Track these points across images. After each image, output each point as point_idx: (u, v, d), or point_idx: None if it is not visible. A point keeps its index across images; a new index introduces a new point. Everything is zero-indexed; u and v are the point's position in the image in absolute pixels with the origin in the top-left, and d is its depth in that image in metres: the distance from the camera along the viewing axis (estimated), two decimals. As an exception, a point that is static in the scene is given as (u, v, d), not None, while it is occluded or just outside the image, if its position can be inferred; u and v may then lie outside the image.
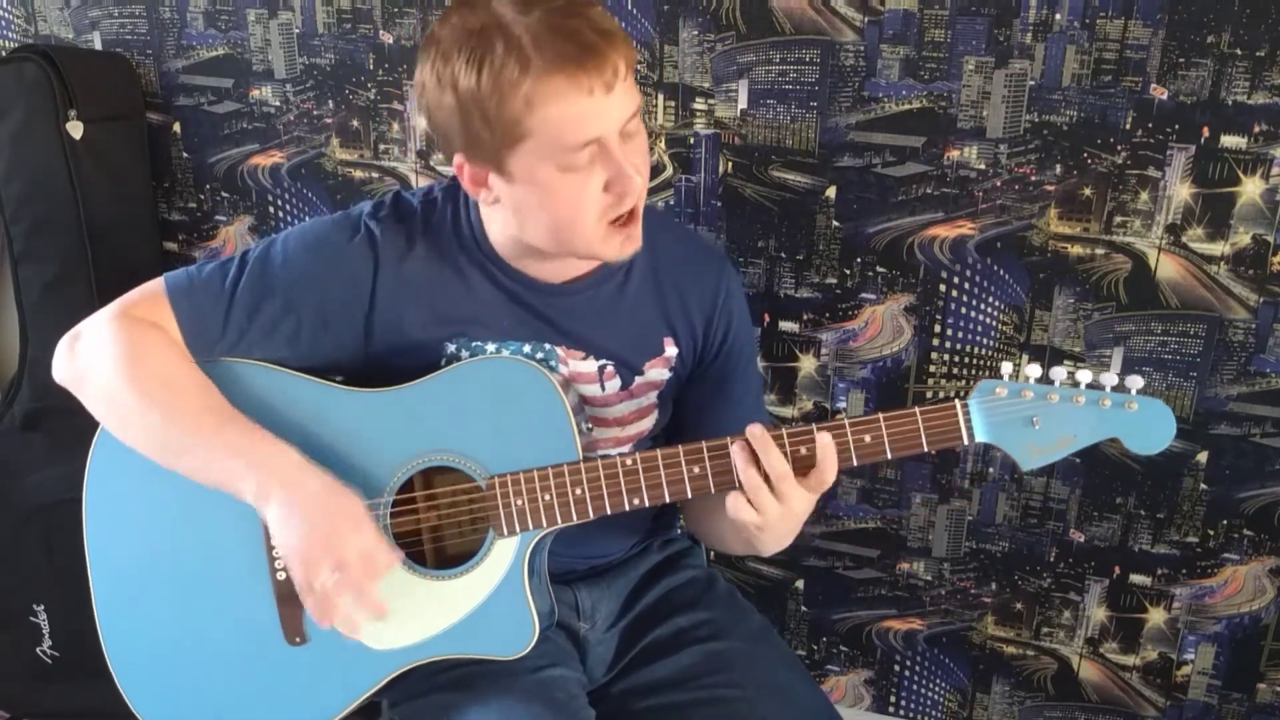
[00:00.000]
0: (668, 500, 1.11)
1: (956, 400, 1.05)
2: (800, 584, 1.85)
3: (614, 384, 1.21)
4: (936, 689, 1.85)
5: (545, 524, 1.12)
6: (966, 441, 1.04)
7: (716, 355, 1.26)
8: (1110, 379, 1.02)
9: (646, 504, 1.10)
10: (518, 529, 1.12)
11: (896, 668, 1.86)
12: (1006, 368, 1.04)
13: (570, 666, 1.23)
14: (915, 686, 1.86)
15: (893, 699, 1.88)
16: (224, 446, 1.08)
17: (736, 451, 1.06)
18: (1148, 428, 1.03)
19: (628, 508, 1.11)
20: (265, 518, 1.07)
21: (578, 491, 1.10)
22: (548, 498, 1.11)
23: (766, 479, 1.04)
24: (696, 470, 1.09)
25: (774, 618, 1.87)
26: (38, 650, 1.87)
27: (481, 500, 1.13)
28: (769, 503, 1.05)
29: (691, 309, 1.23)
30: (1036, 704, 1.81)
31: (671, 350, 1.23)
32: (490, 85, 0.99)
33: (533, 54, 0.97)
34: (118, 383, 1.10)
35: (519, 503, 1.11)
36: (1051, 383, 1.03)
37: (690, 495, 1.10)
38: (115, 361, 1.10)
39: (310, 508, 1.05)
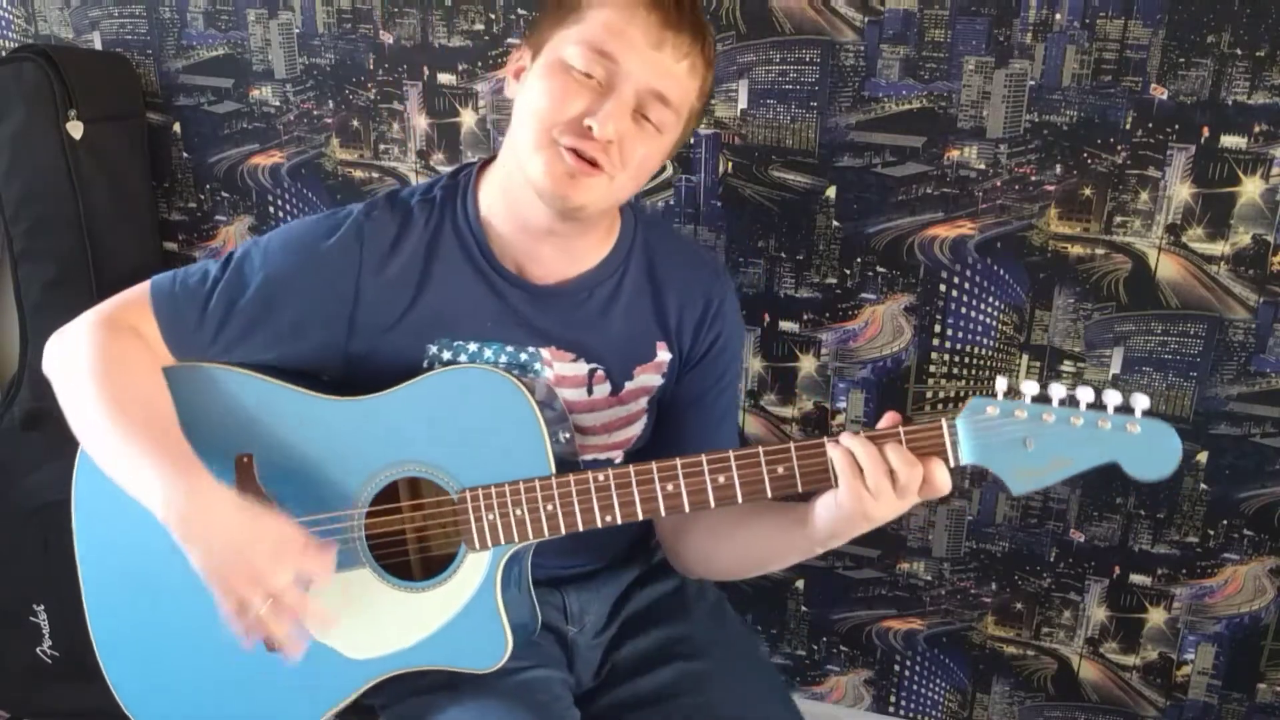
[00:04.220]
0: (640, 518, 1.08)
1: (943, 419, 1.00)
2: (800, 584, 1.85)
3: (603, 389, 1.20)
4: (936, 689, 1.85)
5: (517, 539, 1.10)
6: (953, 464, 0.99)
7: (700, 360, 1.24)
8: (1114, 397, 0.94)
9: (619, 521, 1.08)
10: (489, 543, 1.10)
11: (896, 668, 1.86)
12: (1001, 384, 0.97)
13: (555, 668, 1.23)
14: (915, 686, 1.86)
15: (893, 699, 1.88)
16: (147, 459, 1.03)
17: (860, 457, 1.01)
18: (1149, 452, 0.95)
19: (600, 524, 1.08)
20: (175, 537, 1.00)
21: (549, 507, 1.08)
22: (519, 512, 1.09)
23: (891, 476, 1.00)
24: (670, 488, 1.06)
25: (774, 618, 1.87)
26: (38, 650, 1.86)
27: (454, 513, 1.11)
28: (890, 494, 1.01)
29: (685, 312, 1.23)
30: (1036, 704, 1.81)
31: (665, 355, 1.23)
32: None
33: None
34: (84, 391, 1.09)
35: (490, 517, 1.09)
36: (1049, 400, 0.96)
37: (664, 514, 1.07)
38: (85, 368, 1.10)
39: (228, 530, 1.00)
